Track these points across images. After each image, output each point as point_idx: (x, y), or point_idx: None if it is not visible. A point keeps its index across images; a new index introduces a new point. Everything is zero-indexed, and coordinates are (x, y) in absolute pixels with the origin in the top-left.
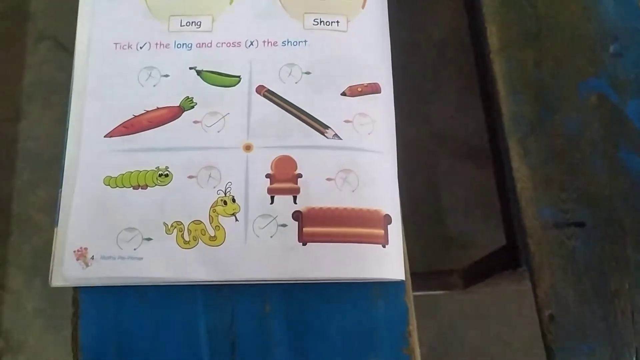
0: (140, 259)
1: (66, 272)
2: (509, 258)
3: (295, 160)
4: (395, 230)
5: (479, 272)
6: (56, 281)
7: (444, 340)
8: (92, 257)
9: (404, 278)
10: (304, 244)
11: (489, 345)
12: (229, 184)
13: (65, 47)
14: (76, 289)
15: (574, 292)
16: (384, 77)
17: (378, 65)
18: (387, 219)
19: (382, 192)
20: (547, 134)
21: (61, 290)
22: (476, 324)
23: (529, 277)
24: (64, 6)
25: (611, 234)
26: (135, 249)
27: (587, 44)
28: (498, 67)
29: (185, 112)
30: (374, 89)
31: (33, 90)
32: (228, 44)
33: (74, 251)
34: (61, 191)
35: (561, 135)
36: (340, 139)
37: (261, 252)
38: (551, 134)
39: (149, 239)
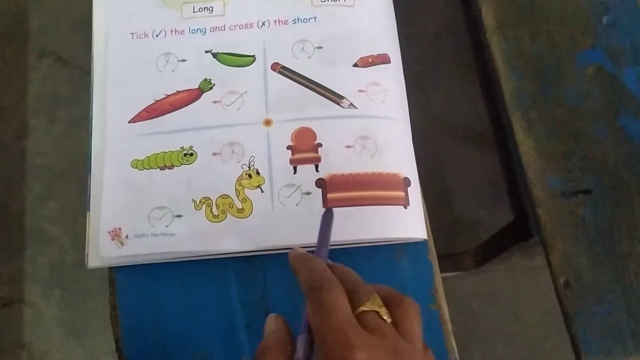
0: (173, 234)
1: (102, 252)
2: (519, 231)
3: (315, 130)
4: (415, 192)
5: (490, 250)
6: (93, 262)
7: (460, 320)
8: (127, 236)
9: (426, 237)
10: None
11: (505, 323)
12: (252, 157)
13: (67, 62)
14: (111, 269)
15: (587, 257)
16: (392, 48)
17: (385, 37)
18: (407, 182)
19: (400, 156)
20: (549, 107)
21: (80, 298)
22: (490, 302)
23: (542, 246)
24: (63, 22)
25: (618, 199)
26: (167, 226)
27: (580, 16)
28: (495, 45)
29: (204, 93)
30: (383, 59)
31: (38, 105)
32: (240, 26)
33: (109, 232)
34: (90, 177)
35: (562, 106)
36: (356, 107)
37: (288, 220)
38: (552, 106)
39: (179, 216)
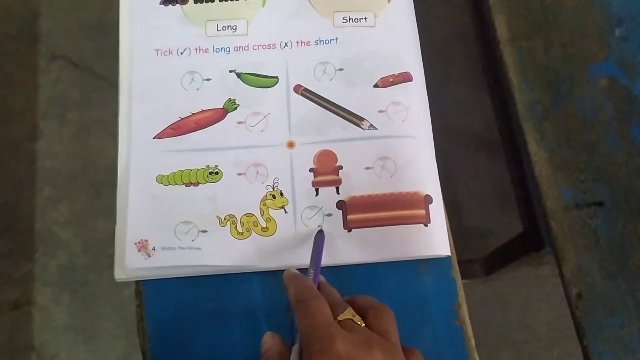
0: (199, 248)
1: (129, 263)
2: (531, 242)
3: (336, 153)
4: (437, 209)
5: (500, 259)
6: (119, 274)
7: None
8: (154, 248)
9: (449, 254)
10: (349, 231)
11: (512, 331)
12: (276, 179)
13: (78, 65)
14: (138, 282)
15: (599, 269)
16: (414, 65)
17: (407, 55)
18: (428, 199)
19: (421, 174)
20: (561, 118)
21: (90, 301)
22: (498, 310)
23: (554, 258)
24: (74, 25)
25: (630, 210)
26: (193, 240)
27: (593, 29)
28: (509, 56)
29: (229, 113)
30: (405, 77)
31: (48, 108)
32: (264, 46)
33: (135, 243)
34: (117, 191)
35: (575, 118)
36: (376, 128)
37: (310, 240)
38: (565, 117)
39: (204, 231)
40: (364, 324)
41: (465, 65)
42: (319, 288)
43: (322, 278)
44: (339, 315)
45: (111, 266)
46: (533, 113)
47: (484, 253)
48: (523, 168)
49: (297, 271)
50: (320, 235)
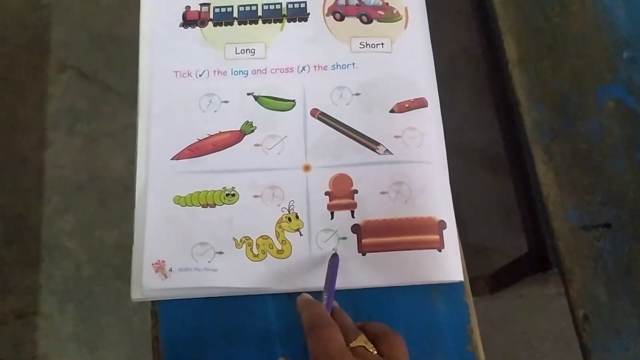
0: (215, 270)
1: (145, 284)
2: (536, 262)
3: (351, 177)
4: (451, 235)
5: (506, 278)
6: (135, 294)
7: None
8: (170, 269)
9: (462, 279)
10: (364, 254)
11: (515, 349)
12: (292, 202)
13: (87, 76)
14: (154, 302)
15: (605, 291)
16: (430, 90)
17: (423, 81)
18: (442, 225)
19: (435, 200)
20: (569, 139)
21: (95, 312)
22: (501, 328)
23: (561, 279)
24: (85, 36)
25: (637, 233)
26: (209, 262)
27: (601, 51)
28: (517, 77)
29: (246, 135)
30: (420, 103)
31: (57, 119)
32: (281, 70)
33: (152, 264)
34: (135, 211)
35: (582, 139)
36: (392, 153)
37: (325, 263)
38: (573, 138)
39: (220, 253)
40: (375, 352)
41: (471, 83)
42: (332, 314)
43: (335, 303)
44: (351, 342)
45: (116, 277)
46: (541, 134)
47: (486, 269)
48: (530, 188)
49: (310, 297)
50: (334, 259)
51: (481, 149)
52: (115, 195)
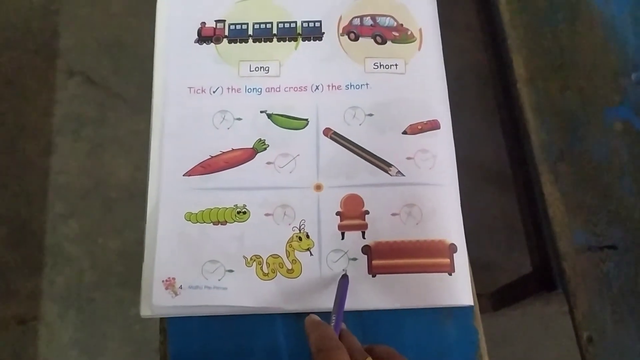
0: (225, 288)
1: (155, 301)
2: (541, 281)
3: (362, 197)
4: (462, 258)
5: (509, 296)
6: (145, 311)
7: None
8: (180, 287)
9: (472, 303)
10: (374, 276)
11: None
12: (303, 221)
13: (95, 82)
14: (163, 319)
15: (610, 313)
16: (442, 113)
17: (436, 103)
18: (453, 248)
19: (446, 223)
20: (576, 160)
21: (95, 319)
22: (503, 345)
23: (566, 300)
24: (93, 43)
25: None
26: (219, 280)
27: (609, 73)
28: (526, 96)
29: (258, 153)
30: (433, 125)
31: (63, 124)
32: (295, 89)
33: (163, 281)
34: (146, 226)
35: (589, 160)
36: (403, 175)
37: (335, 284)
38: (580, 159)
39: (230, 271)
40: None
41: (478, 99)
42: (340, 336)
43: (343, 325)
44: None
45: (118, 284)
46: (548, 154)
47: (489, 286)
48: (535, 207)
49: (318, 318)
50: (344, 280)
51: (486, 165)
52: (120, 202)
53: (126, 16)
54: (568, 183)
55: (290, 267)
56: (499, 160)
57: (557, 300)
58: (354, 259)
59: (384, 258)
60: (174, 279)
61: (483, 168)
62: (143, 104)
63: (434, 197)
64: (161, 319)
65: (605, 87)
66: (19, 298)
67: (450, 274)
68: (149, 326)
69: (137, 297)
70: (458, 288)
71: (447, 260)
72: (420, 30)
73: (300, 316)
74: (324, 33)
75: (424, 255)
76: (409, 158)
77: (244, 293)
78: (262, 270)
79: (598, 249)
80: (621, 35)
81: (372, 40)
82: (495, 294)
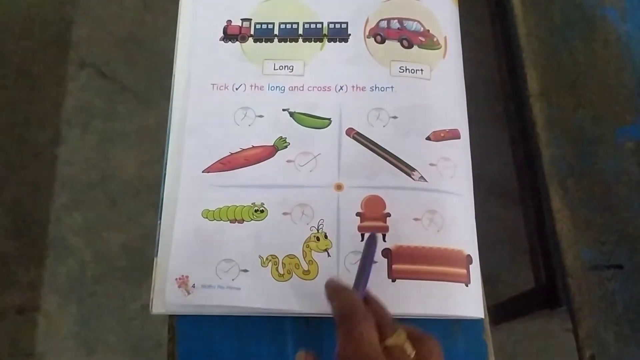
0: (238, 289)
1: (168, 299)
2: (545, 297)
3: (384, 199)
4: (476, 270)
5: (512, 310)
6: (157, 308)
7: None
8: (194, 286)
9: (483, 316)
10: (393, 280)
11: None
12: (321, 221)
13: (106, 75)
14: (172, 316)
15: (614, 333)
16: (462, 123)
17: (457, 112)
18: (469, 259)
19: (464, 233)
20: (586, 177)
21: (95, 313)
22: None
23: (570, 317)
24: (106, 36)
25: None
26: (233, 279)
27: (622, 92)
28: (538, 111)
29: (279, 151)
30: (454, 134)
31: (73, 115)
32: (319, 88)
33: (176, 279)
34: (160, 222)
35: (599, 178)
36: (426, 181)
37: (353, 287)
38: (590, 177)
39: (245, 271)
40: (413, 354)
41: (487, 111)
42: (366, 302)
43: (370, 291)
44: (387, 338)
45: (120, 278)
46: (558, 169)
47: (491, 300)
48: (543, 222)
49: (341, 282)
50: (372, 240)
51: (493, 177)
52: (125, 196)
53: (141, 11)
54: (577, 200)
55: (306, 268)
56: (505, 174)
57: (560, 317)
58: (374, 262)
59: (404, 263)
60: (187, 277)
61: (488, 181)
62: (153, 99)
63: (454, 206)
64: (170, 317)
65: (619, 106)
66: (19, 287)
67: (467, 285)
68: (148, 322)
69: (138, 292)
70: (472, 300)
71: (464, 271)
72: (445, 38)
73: (309, 321)
74: (350, 35)
75: (444, 264)
76: (432, 164)
77: (258, 294)
78: (277, 270)
79: (604, 267)
80: (636, 55)
81: (399, 43)
82: (497, 308)
